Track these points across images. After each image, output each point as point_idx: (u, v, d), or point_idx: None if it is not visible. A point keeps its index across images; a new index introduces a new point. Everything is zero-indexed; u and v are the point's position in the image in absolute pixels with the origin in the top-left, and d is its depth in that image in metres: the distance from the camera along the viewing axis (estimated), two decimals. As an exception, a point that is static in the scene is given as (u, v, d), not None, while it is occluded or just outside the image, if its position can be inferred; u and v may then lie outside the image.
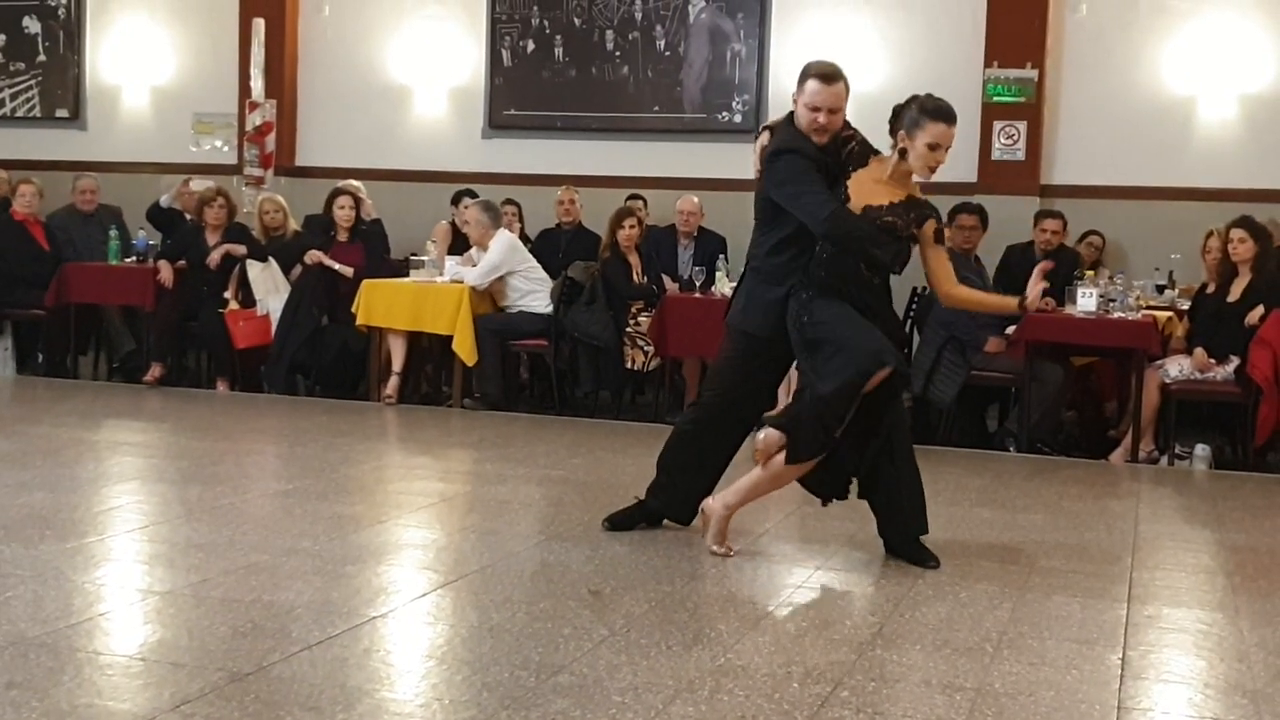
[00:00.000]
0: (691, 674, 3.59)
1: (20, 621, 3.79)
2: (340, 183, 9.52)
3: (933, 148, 4.76)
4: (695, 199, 9.23)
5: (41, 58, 11.84)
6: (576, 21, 10.47)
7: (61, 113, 11.84)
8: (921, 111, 4.77)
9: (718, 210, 9.38)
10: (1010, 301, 5.06)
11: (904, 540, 4.99)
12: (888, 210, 4.78)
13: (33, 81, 11.88)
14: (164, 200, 9.83)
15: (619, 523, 5.22)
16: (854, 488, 5.03)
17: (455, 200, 9.79)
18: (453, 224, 9.62)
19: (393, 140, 10.94)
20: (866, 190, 4.81)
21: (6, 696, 3.22)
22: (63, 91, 11.82)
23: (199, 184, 9.81)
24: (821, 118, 4.82)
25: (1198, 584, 4.99)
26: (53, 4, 11.77)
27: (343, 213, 9.17)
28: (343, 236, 9.17)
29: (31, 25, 11.84)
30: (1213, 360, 7.58)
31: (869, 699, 3.48)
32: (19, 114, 11.95)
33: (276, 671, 3.48)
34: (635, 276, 8.71)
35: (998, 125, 9.49)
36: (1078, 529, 5.71)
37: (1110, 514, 6.13)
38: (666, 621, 4.09)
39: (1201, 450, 7.54)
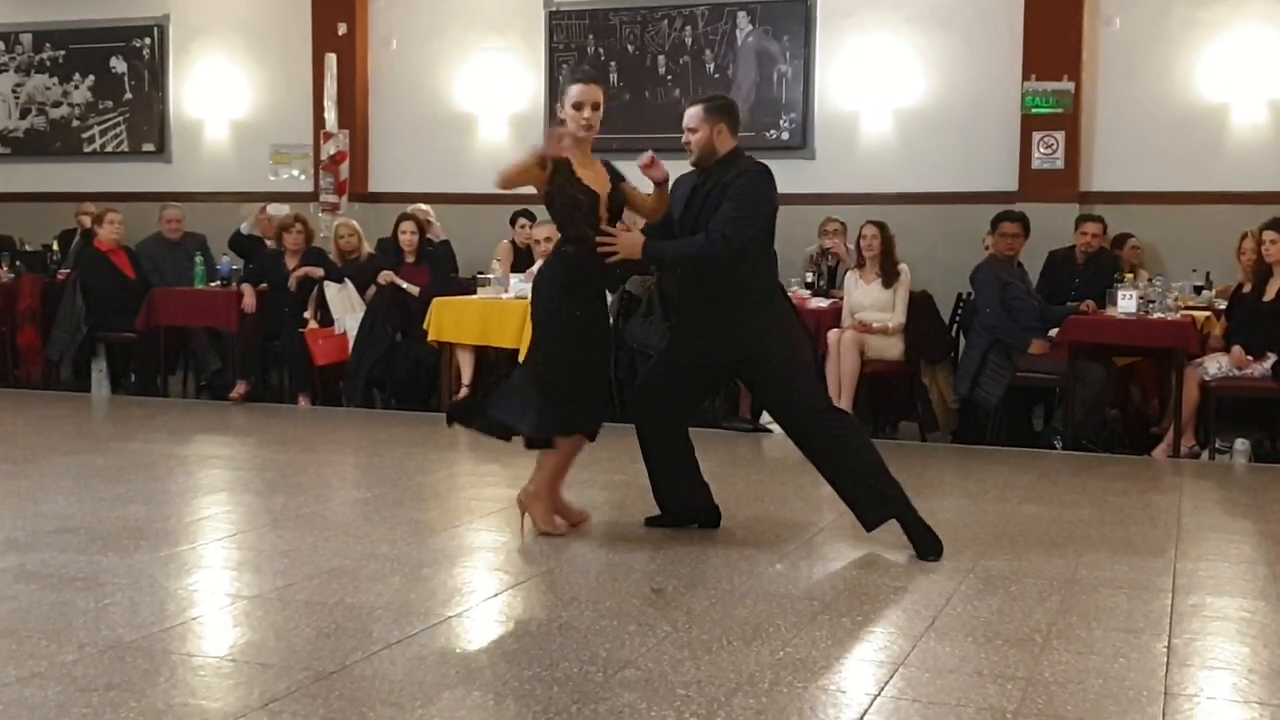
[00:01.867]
0: (752, 667, 3.65)
1: (118, 626, 3.92)
2: (409, 208, 9.73)
3: (577, 106, 5.06)
4: (745, 213, 9.43)
5: (128, 96, 12.18)
6: (630, 48, 10.68)
7: (148, 147, 12.15)
8: (566, 80, 5.19)
9: (768, 224, 9.64)
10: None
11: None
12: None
13: (120, 118, 12.22)
14: (244, 227, 10.08)
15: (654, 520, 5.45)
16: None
17: (512, 220, 10.02)
18: (512, 242, 9.86)
19: (459, 165, 11.09)
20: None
21: (106, 698, 3.32)
22: (148, 127, 12.13)
23: (276, 209, 10.01)
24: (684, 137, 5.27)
25: (1240, 573, 5.02)
26: (138, 45, 12.11)
27: (405, 237, 9.37)
28: (410, 259, 9.38)
29: (118, 65, 12.18)
30: (1250, 357, 7.63)
31: (924, 689, 3.53)
32: (108, 149, 12.26)
33: (359, 670, 3.57)
34: (691, 289, 8.93)
35: (1037, 136, 9.59)
36: (1123, 523, 5.77)
37: (1154, 508, 6.20)
38: (727, 617, 4.15)
39: (1241, 444, 7.59)
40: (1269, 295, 7.74)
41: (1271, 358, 7.61)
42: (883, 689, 3.54)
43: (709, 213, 5.09)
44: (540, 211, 9.73)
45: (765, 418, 8.40)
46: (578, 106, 5.07)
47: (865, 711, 3.38)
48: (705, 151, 5.19)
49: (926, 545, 5.04)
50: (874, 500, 5.12)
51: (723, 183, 5.11)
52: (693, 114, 5.20)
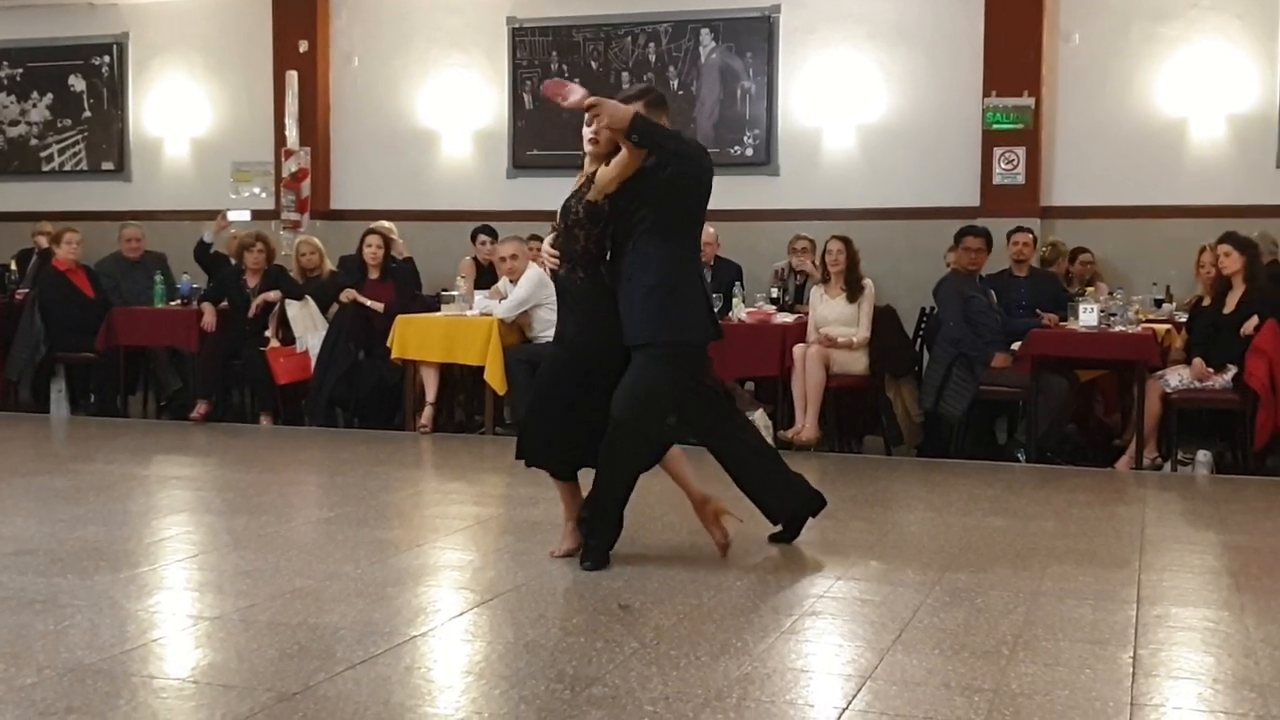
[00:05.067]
0: (720, 683, 3.65)
1: (78, 649, 3.89)
2: (372, 224, 9.72)
3: (588, 124, 5.02)
4: (711, 229, 9.18)
5: (87, 114, 12.10)
6: (593, 65, 10.70)
7: (107, 165, 12.08)
8: None
9: (732, 240, 9.59)
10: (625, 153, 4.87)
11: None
12: (567, 199, 5.10)
13: (79, 137, 12.13)
14: (206, 236, 10.05)
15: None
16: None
17: (473, 237, 10.02)
18: (475, 259, 9.86)
19: (422, 182, 11.13)
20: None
21: None
22: (107, 145, 12.05)
23: (235, 215, 9.99)
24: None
25: (1204, 584, 5.06)
26: (96, 63, 12.04)
27: (370, 251, 9.35)
28: (374, 275, 9.35)
29: (77, 83, 12.10)
30: (1211, 369, 7.69)
31: (891, 702, 3.53)
32: (67, 168, 12.19)
33: (323, 691, 3.54)
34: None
35: (998, 151, 9.66)
36: (1087, 535, 5.80)
37: (1118, 519, 6.25)
38: (694, 633, 4.16)
39: (1203, 456, 7.64)
40: (1229, 308, 7.81)
41: (1232, 370, 7.68)
42: (850, 702, 3.54)
43: (659, 190, 4.95)
44: (503, 229, 9.84)
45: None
46: (588, 123, 5.03)
47: (833, 725, 3.37)
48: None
49: (589, 552, 5.09)
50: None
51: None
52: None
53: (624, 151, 4.86)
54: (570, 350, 5.12)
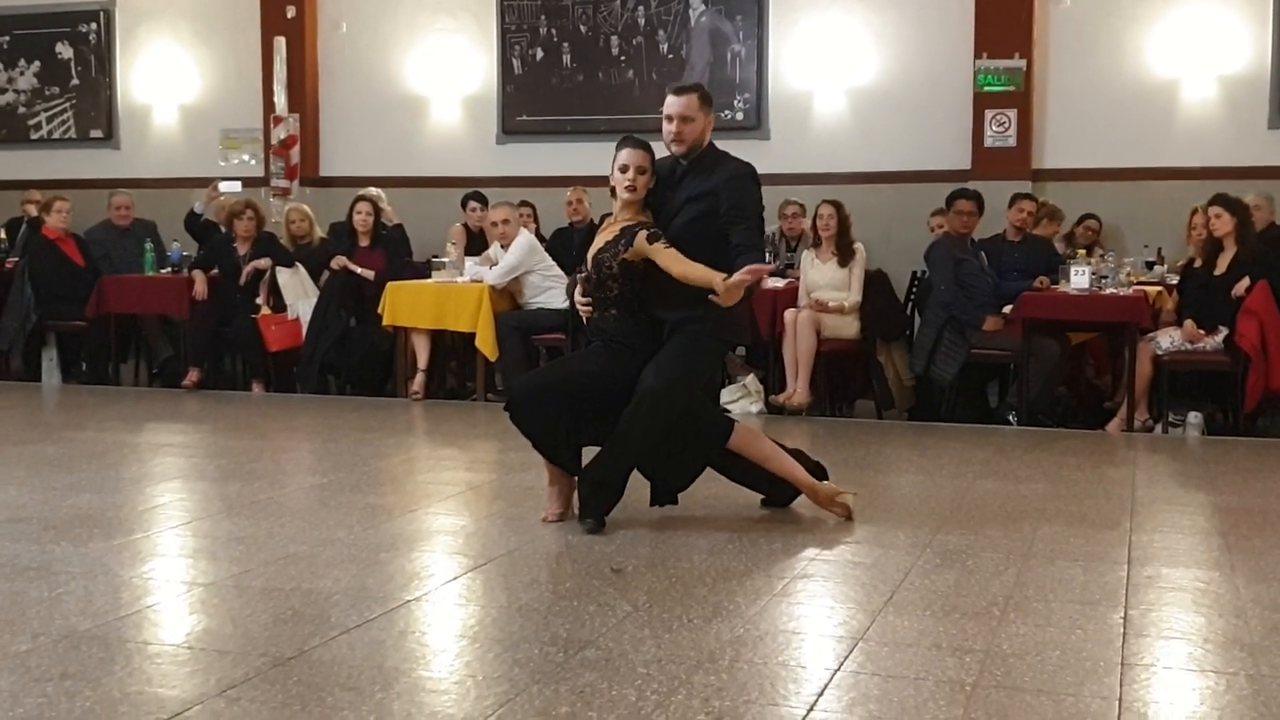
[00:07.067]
0: (712, 645, 3.67)
1: (72, 615, 3.89)
2: (361, 190, 9.68)
3: (623, 169, 5.03)
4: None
5: (75, 82, 12.04)
6: (582, 29, 10.65)
7: (95, 133, 12.04)
8: (616, 146, 5.12)
9: (722, 205, 9.65)
10: (714, 277, 4.78)
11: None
12: (600, 252, 5.08)
13: (67, 104, 12.08)
14: (197, 206, 9.97)
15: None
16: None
17: (464, 203, 10.02)
18: (465, 225, 9.85)
19: (411, 148, 11.09)
20: (600, 240, 5.16)
21: (61, 687, 3.30)
22: (96, 113, 12.01)
23: (227, 186, 9.97)
24: (673, 127, 5.02)
25: (1194, 545, 5.08)
26: (84, 30, 11.97)
27: (360, 218, 9.32)
28: (364, 242, 9.33)
29: (64, 51, 12.04)
30: (1202, 331, 7.70)
31: (883, 663, 3.56)
32: (55, 136, 12.14)
33: (317, 655, 3.56)
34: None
35: (989, 114, 9.63)
36: (1078, 496, 5.82)
37: (1108, 481, 6.25)
38: (687, 596, 4.17)
39: (1194, 418, 7.65)
40: (1220, 269, 7.81)
41: (1223, 331, 7.69)
42: (842, 663, 3.57)
43: (680, 202, 5.03)
44: (493, 195, 9.82)
45: (724, 397, 8.41)
46: (623, 169, 5.04)
47: (825, 686, 3.40)
48: (697, 143, 5.05)
49: (587, 509, 5.12)
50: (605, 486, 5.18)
51: (711, 182, 5.00)
52: (688, 103, 4.99)
53: (697, 277, 4.85)
54: (604, 368, 5.14)
